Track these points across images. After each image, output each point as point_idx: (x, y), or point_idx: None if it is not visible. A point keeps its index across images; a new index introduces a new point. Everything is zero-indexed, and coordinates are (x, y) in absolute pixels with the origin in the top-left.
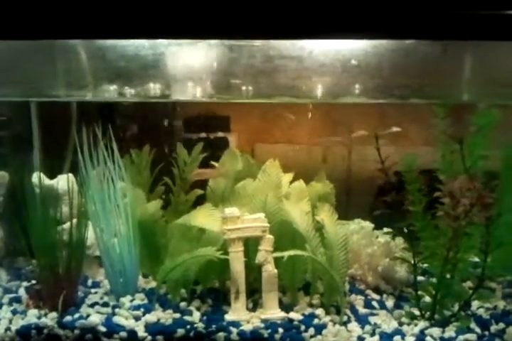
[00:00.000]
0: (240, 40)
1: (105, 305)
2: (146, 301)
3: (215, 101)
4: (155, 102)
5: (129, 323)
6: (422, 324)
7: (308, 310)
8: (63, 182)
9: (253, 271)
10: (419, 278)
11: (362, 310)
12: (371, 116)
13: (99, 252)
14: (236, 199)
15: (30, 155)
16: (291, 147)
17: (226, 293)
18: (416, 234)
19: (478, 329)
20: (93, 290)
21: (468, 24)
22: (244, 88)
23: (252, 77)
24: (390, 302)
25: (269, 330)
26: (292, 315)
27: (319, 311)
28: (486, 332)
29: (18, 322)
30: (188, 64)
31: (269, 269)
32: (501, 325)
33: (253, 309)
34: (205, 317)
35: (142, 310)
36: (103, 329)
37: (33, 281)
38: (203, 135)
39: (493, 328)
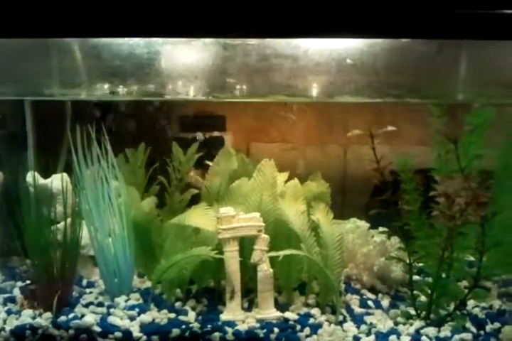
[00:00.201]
0: (235, 39)
1: (100, 305)
2: (141, 301)
3: (210, 100)
4: (150, 101)
5: (124, 323)
6: (417, 323)
7: (304, 310)
8: (57, 181)
9: (248, 270)
10: (415, 277)
11: (357, 310)
12: (366, 115)
13: (94, 252)
14: (231, 199)
15: (25, 155)
16: (287, 146)
17: (221, 292)
18: (411, 234)
19: (473, 329)
20: (88, 290)
21: (464, 23)
22: (239, 87)
23: (247, 75)
24: (385, 302)
25: (265, 330)
26: (288, 314)
27: (315, 311)
28: (482, 332)
29: (13, 323)
30: (183, 63)
31: (265, 269)
32: (497, 325)
33: (248, 309)
34: (200, 317)
35: (137, 310)
36: (98, 329)
37: (28, 281)
38: (199, 134)
39: (489, 327)
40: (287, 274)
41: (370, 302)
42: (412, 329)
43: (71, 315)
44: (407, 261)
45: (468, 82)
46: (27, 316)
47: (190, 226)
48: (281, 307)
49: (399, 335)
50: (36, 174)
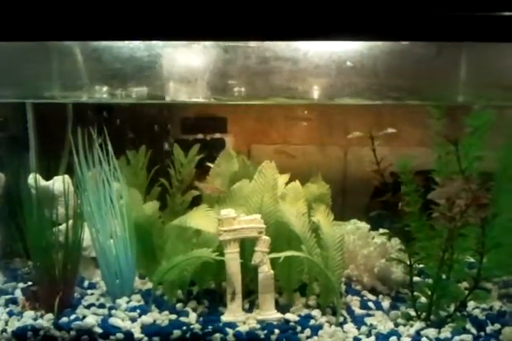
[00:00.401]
0: (236, 42)
1: (101, 306)
2: (142, 302)
3: (211, 103)
4: (151, 103)
5: (126, 324)
6: (417, 325)
7: (305, 311)
8: (59, 183)
9: (249, 272)
10: (415, 278)
11: (358, 311)
12: (367, 117)
13: (95, 253)
14: (232, 201)
15: (26, 157)
16: (288, 148)
17: (222, 294)
18: (412, 235)
19: (474, 330)
20: (89, 292)
21: (463, 25)
22: (240, 89)
23: (248, 78)
24: (386, 303)
25: (265, 331)
26: (288, 315)
27: (315, 312)
28: (482, 333)
29: (14, 324)
30: (184, 65)
31: (265, 270)
32: (497, 326)
33: (249, 310)
34: (201, 318)
35: (138, 311)
36: (99, 330)
37: (29, 283)
38: (200, 136)
39: (489, 329)
40: (288, 275)
41: (370, 304)
42: (412, 331)
43: (72, 317)
44: (408, 263)
45: (468, 84)
46: (29, 317)
47: (191, 228)
48: (281, 308)
49: (399, 336)
50: (38, 176)
